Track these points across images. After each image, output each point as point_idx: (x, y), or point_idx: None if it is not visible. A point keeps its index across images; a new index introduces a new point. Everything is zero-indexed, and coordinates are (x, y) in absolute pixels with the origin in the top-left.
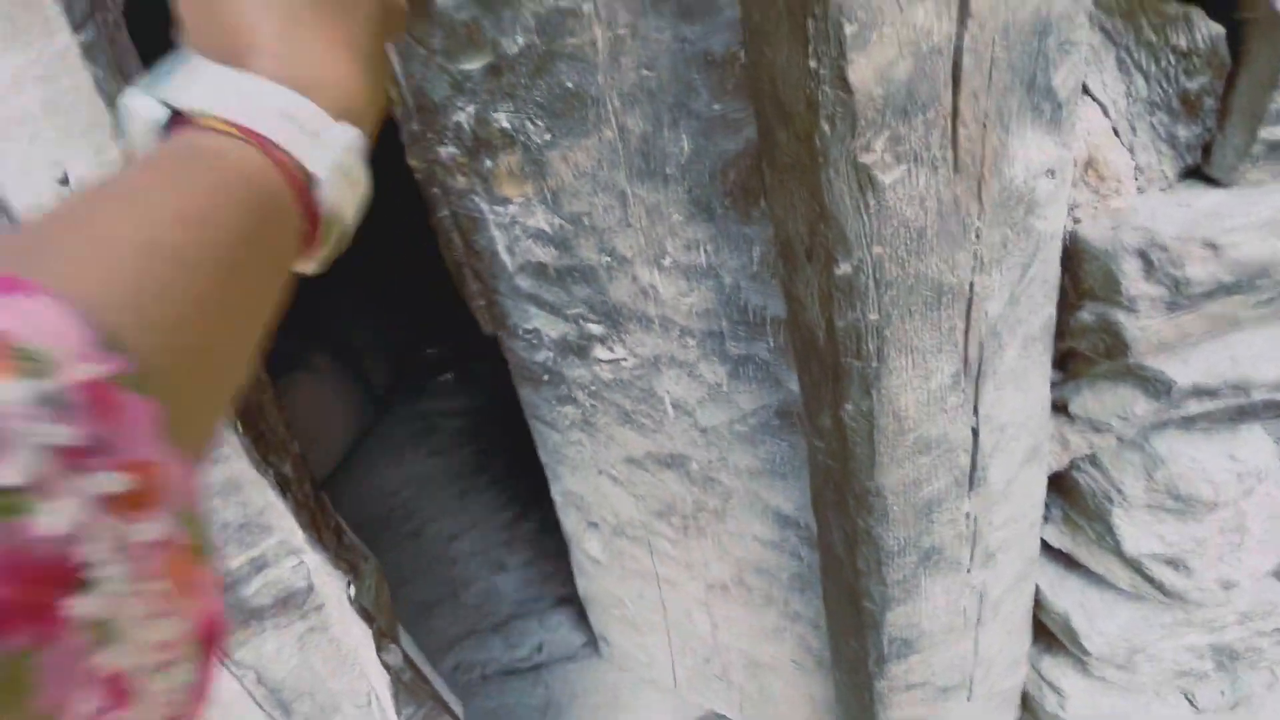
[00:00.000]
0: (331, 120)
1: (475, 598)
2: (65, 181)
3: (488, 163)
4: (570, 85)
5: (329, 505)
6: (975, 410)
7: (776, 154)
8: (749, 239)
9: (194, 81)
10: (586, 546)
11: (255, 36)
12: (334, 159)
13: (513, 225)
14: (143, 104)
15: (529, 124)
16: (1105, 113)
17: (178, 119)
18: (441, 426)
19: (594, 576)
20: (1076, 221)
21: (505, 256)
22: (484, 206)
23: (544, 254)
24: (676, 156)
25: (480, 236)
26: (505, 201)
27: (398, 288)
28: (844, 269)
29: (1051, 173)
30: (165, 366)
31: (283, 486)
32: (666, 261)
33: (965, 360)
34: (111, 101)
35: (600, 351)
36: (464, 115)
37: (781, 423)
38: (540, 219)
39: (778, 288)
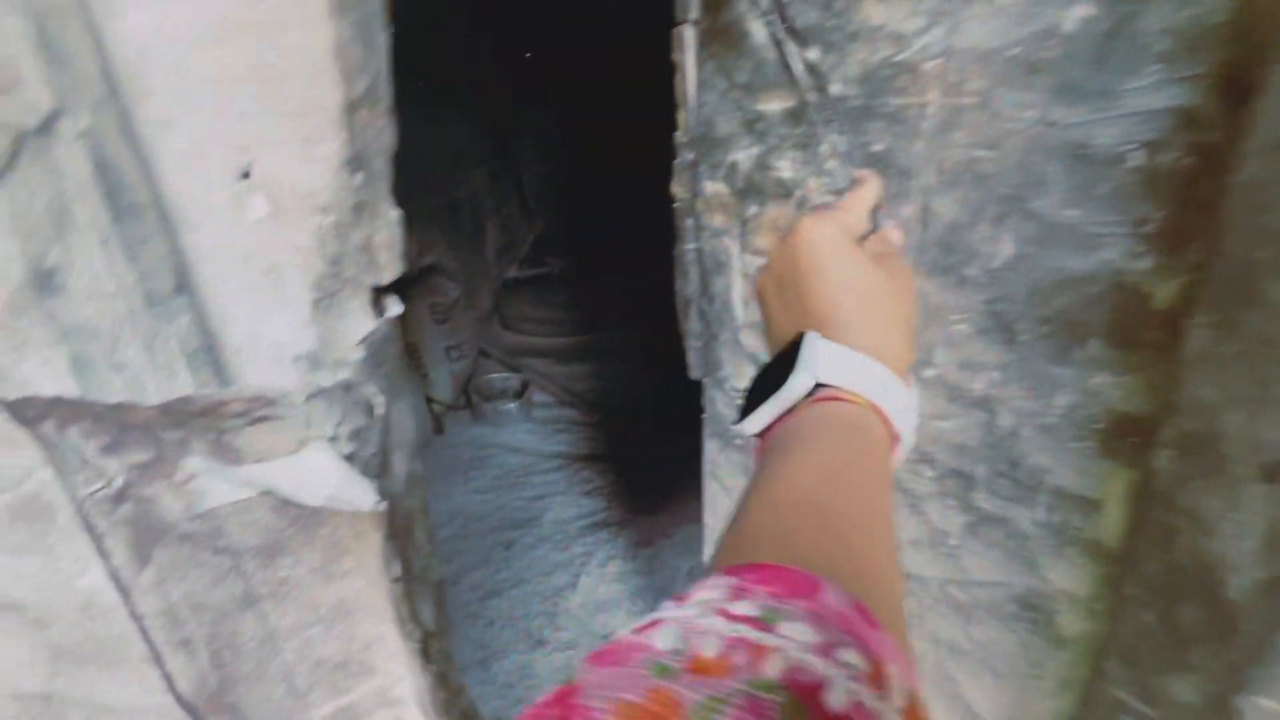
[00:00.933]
0: (900, 384)
1: (506, 673)
2: (247, 176)
3: (753, 209)
4: (878, 149)
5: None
6: None
7: (1248, 317)
8: (1056, 383)
9: (826, 360)
10: None
11: (839, 312)
12: (913, 423)
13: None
14: (803, 381)
15: (813, 180)
16: None
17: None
18: (497, 462)
19: None
20: None
21: (738, 308)
22: (733, 251)
23: None
24: (987, 258)
25: (718, 280)
26: (760, 252)
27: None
28: None
29: None
30: (884, 604)
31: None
32: (930, 373)
33: None
34: (355, 73)
35: None
36: (744, 156)
37: (1017, 611)
38: None
39: (1077, 456)
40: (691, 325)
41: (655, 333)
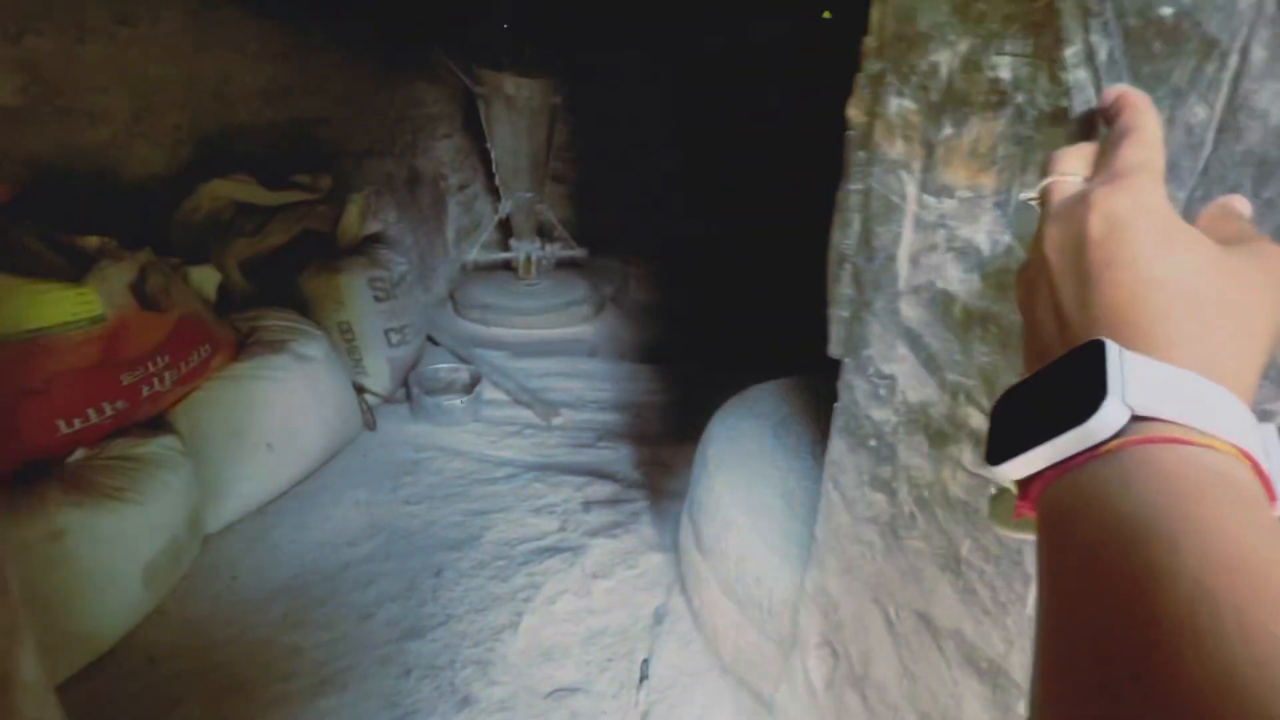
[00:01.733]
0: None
1: None
2: None
3: (947, 129)
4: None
5: None
6: None
7: None
8: None
9: (1149, 382)
10: (808, 667)
11: (1162, 322)
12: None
13: (937, 227)
14: (1114, 411)
15: (1043, 85)
16: None
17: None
18: (434, 467)
19: (800, 712)
20: None
21: (903, 266)
22: (909, 191)
23: (961, 282)
24: None
25: (884, 229)
26: (945, 191)
27: None
28: None
29: None
30: None
31: None
32: None
33: None
34: None
35: (969, 457)
36: (950, 54)
37: None
38: (982, 231)
39: None
40: (841, 289)
41: (632, 329)
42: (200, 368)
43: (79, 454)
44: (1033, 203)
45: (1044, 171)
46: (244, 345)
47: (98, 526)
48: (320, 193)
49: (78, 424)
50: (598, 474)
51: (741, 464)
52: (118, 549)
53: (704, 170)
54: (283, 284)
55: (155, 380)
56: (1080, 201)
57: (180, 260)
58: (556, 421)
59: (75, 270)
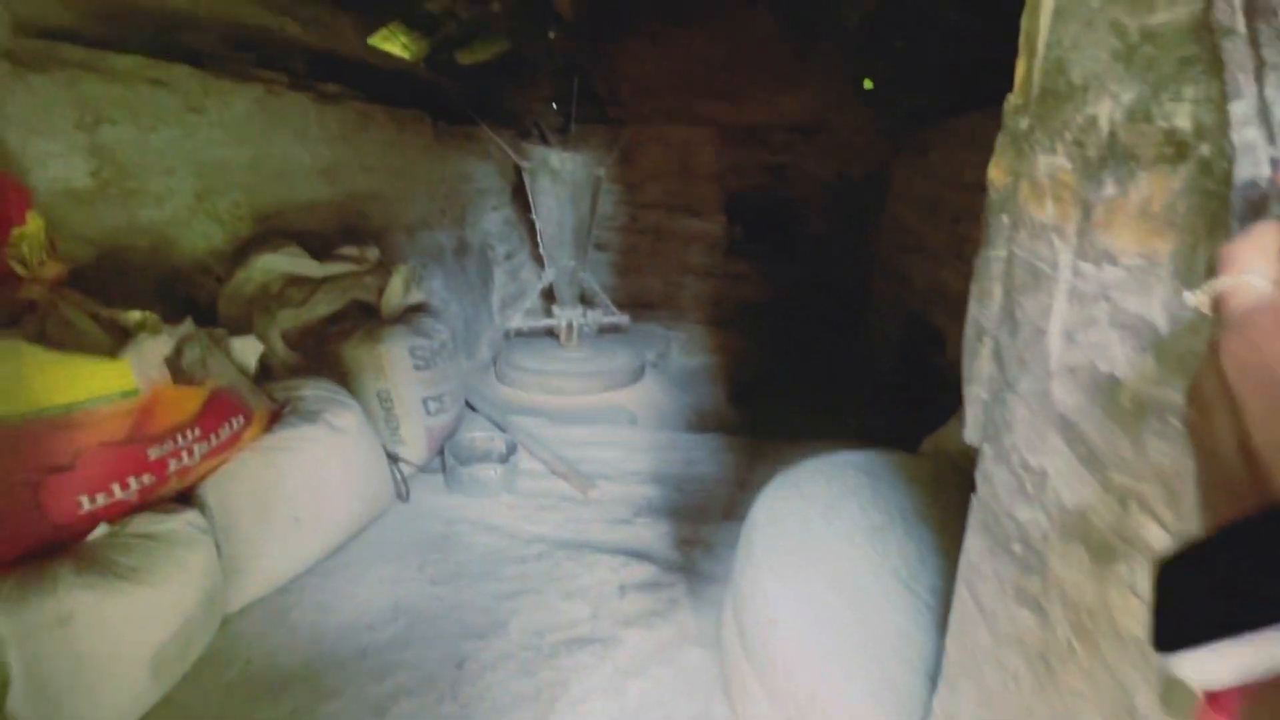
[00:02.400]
0: None
1: None
2: None
3: (1109, 188)
4: None
5: None
6: None
7: None
8: None
9: None
10: None
11: None
12: None
13: (1097, 299)
14: None
15: (1245, 131)
16: None
17: None
18: (465, 543)
19: None
20: None
21: (1056, 343)
22: (1061, 258)
23: (1129, 364)
24: None
25: (1031, 300)
26: (1106, 258)
27: None
28: None
29: None
30: None
31: None
32: None
33: None
34: None
35: (1144, 584)
36: (1111, 105)
37: None
38: (1157, 303)
39: None
40: (979, 366)
41: (674, 396)
42: (231, 440)
43: (100, 531)
44: (1201, 304)
45: (1214, 267)
46: (279, 416)
47: (107, 610)
48: (367, 265)
49: (101, 500)
50: (635, 554)
51: (789, 551)
52: (126, 635)
53: (751, 235)
54: (326, 354)
55: (184, 454)
56: (1272, 314)
57: (225, 331)
58: (593, 495)
59: (114, 345)
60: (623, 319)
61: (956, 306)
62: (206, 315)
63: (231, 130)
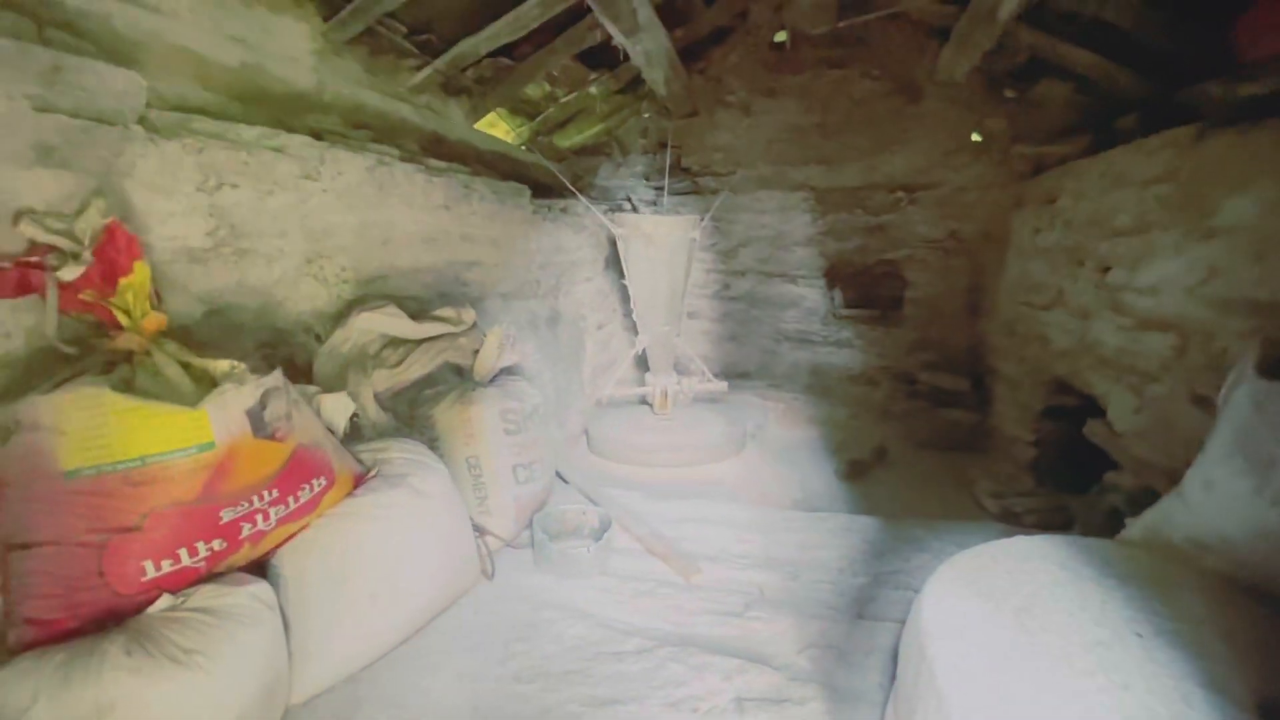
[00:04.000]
0: None
1: None
2: None
3: None
4: None
5: None
6: None
7: None
8: None
9: None
10: None
11: None
12: None
13: None
14: None
15: None
16: None
17: None
18: (553, 633)
19: None
20: None
21: None
22: None
23: None
24: None
25: None
26: None
27: None
28: None
29: None
30: None
31: None
32: None
33: None
34: None
35: None
36: None
37: None
38: None
39: None
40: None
41: (777, 469)
42: (310, 504)
43: (162, 604)
44: None
45: None
46: (364, 480)
47: (152, 700)
48: (463, 326)
49: (167, 567)
50: (751, 657)
51: (983, 674)
52: None
53: (852, 300)
54: (418, 417)
55: (259, 517)
56: None
57: (318, 389)
58: (696, 580)
59: (198, 395)
60: (720, 386)
61: (1120, 368)
62: (305, 375)
63: (343, 197)
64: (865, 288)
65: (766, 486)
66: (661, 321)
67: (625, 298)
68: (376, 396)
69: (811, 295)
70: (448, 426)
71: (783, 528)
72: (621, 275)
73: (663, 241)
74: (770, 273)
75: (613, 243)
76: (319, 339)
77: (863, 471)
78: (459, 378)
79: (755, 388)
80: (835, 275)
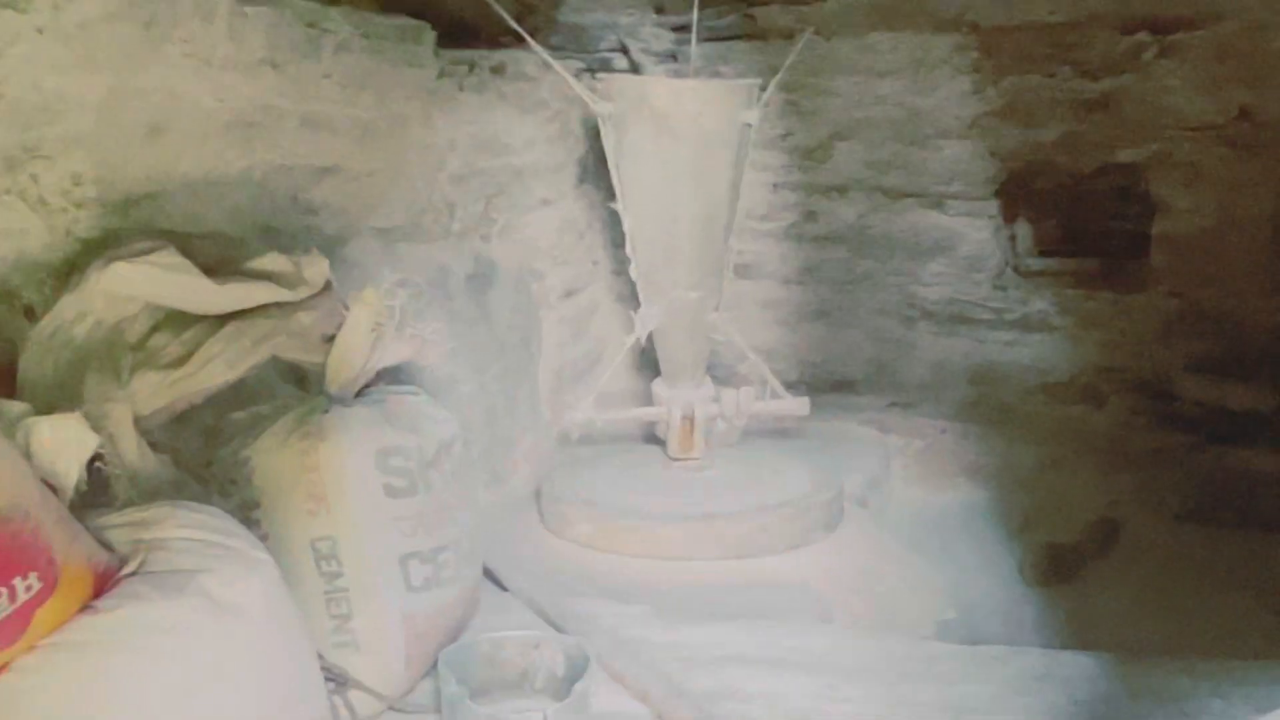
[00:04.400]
0: None
1: None
2: None
3: None
4: None
5: None
6: None
7: None
8: None
9: None
10: None
11: None
12: None
13: None
14: None
15: None
16: None
17: None
18: None
19: None
20: None
21: None
22: None
23: None
24: None
25: None
26: None
27: None
28: None
29: None
30: None
31: None
32: None
33: None
34: None
35: None
36: None
37: None
38: None
39: None
40: None
41: (912, 566)
42: (12, 622)
43: None
44: None
45: None
46: (112, 579)
47: None
48: (304, 290)
49: None
50: None
51: None
52: None
53: (1052, 240)
54: (219, 463)
55: None
56: None
57: (27, 409)
58: None
59: None
60: (795, 406)
61: None
62: (3, 382)
63: (76, 43)
64: (1075, 218)
65: (888, 595)
66: (687, 282)
67: (617, 236)
68: (139, 422)
69: (972, 233)
70: (275, 480)
71: (921, 674)
72: (610, 195)
73: (688, 128)
74: (894, 190)
75: (594, 132)
76: (29, 314)
77: (1072, 568)
78: (297, 389)
79: (864, 409)
80: (1018, 195)
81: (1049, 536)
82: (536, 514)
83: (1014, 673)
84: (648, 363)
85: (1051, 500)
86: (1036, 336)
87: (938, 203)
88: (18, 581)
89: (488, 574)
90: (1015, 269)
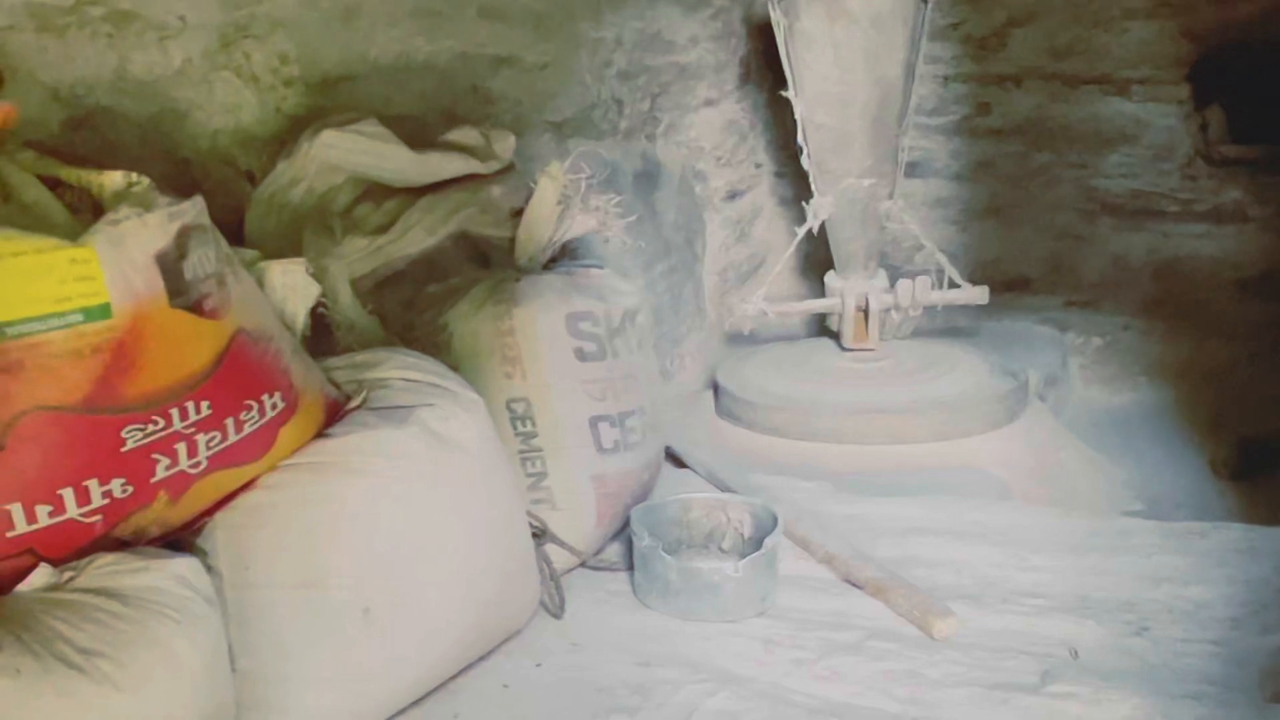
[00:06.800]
0: None
1: None
2: None
3: None
4: None
5: None
6: None
7: None
8: None
9: None
10: None
11: None
12: None
13: None
14: None
15: None
16: None
17: None
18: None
19: None
20: None
21: None
22: None
23: None
24: None
25: None
26: None
27: None
28: None
29: None
30: None
31: None
32: None
33: None
34: None
35: None
36: None
37: None
38: None
39: None
40: None
41: (1087, 453)
42: (260, 438)
43: (40, 576)
44: None
45: None
46: (340, 411)
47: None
48: (495, 163)
49: (44, 517)
50: None
51: None
52: None
53: (1247, 127)
54: (418, 325)
55: (181, 448)
56: None
57: (258, 254)
58: (944, 633)
59: (77, 226)
60: (974, 295)
61: None
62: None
63: None
64: (1274, 102)
65: (1069, 484)
66: (860, 171)
67: (782, 136)
68: (355, 282)
69: (1159, 120)
70: (470, 343)
71: (1111, 546)
72: (777, 86)
73: (862, 7)
74: (1072, 76)
75: (756, 31)
76: (251, 179)
77: (1269, 463)
78: (485, 265)
79: (1040, 308)
80: (1210, 76)
81: (1241, 432)
82: (707, 406)
83: (1214, 545)
84: (810, 266)
85: (1244, 397)
86: (1230, 228)
87: (1121, 89)
88: (265, 398)
89: (669, 454)
90: (1206, 158)
